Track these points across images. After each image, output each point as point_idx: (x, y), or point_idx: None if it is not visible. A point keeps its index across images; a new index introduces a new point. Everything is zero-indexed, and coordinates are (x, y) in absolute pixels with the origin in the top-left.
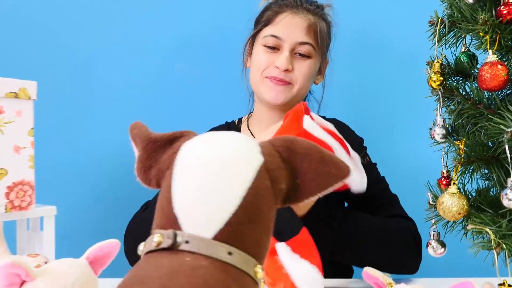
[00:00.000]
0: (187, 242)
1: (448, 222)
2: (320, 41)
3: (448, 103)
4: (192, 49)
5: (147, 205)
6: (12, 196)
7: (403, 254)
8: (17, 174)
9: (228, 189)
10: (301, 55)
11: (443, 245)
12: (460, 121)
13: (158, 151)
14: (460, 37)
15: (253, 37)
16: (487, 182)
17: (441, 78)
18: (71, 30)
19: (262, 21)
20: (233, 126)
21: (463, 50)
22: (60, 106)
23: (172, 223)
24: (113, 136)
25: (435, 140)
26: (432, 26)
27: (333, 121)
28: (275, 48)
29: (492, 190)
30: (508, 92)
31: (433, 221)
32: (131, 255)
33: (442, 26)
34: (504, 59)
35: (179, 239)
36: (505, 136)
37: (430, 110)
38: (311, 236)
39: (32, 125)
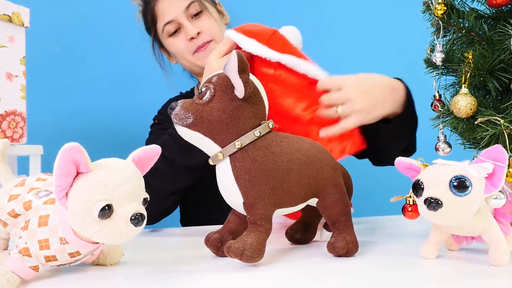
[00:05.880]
0: None
1: (452, 126)
2: None
3: (442, 39)
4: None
5: None
6: (4, 126)
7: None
8: (9, 103)
9: None
10: (195, 15)
11: (449, 145)
12: (452, 49)
13: None
14: None
15: (157, 42)
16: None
17: (445, 8)
18: None
19: (151, 24)
20: (187, 95)
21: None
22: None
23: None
24: (106, 73)
25: (433, 66)
26: None
27: None
28: (177, 30)
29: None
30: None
31: (440, 126)
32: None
33: None
34: None
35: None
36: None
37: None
38: None
39: (24, 53)
